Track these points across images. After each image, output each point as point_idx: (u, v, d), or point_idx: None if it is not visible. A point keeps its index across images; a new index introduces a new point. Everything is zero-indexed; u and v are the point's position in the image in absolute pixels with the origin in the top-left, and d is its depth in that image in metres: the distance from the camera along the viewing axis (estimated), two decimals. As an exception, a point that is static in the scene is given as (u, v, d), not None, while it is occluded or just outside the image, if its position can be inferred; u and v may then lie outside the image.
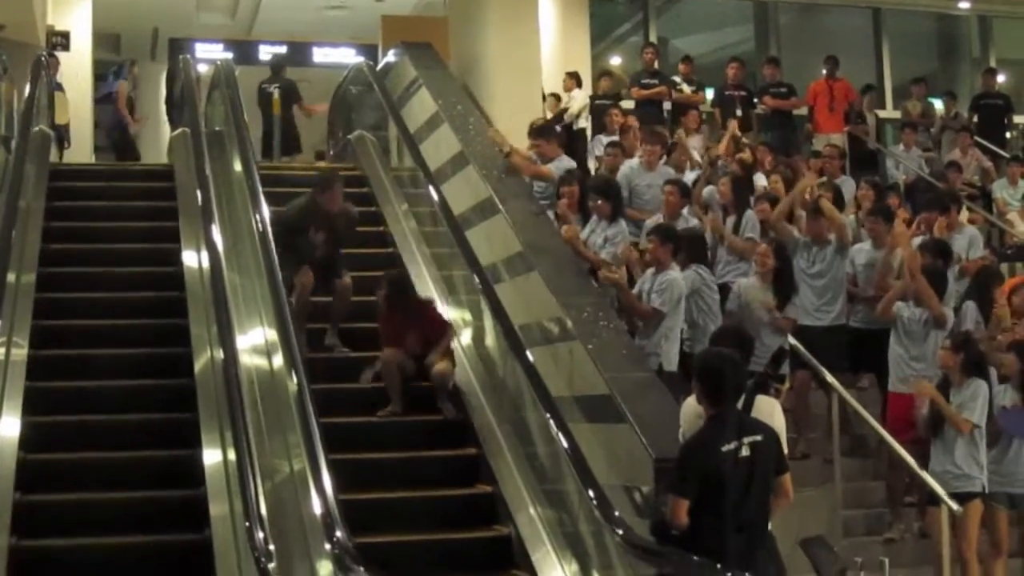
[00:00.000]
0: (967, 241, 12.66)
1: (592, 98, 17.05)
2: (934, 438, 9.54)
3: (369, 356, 9.97)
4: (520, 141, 12.64)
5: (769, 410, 7.30)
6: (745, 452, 6.75)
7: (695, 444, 6.91)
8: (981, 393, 9.47)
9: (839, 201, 12.15)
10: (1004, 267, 14.51)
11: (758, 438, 6.84)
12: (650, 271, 9.89)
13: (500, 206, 10.37)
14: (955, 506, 9.09)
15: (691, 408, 7.19)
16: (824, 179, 13.25)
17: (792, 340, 10.57)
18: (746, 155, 13.89)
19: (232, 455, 7.94)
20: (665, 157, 13.21)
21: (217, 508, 8.04)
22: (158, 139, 19.51)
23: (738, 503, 6.75)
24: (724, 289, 10.75)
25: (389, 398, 9.64)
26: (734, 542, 6.68)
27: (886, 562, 9.11)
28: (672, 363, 9.63)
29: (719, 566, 6.30)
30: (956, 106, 19.02)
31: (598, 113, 16.30)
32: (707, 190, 12.36)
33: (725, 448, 6.75)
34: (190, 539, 8.08)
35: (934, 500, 9.26)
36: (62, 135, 16.35)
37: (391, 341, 9.79)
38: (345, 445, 8.52)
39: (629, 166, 12.79)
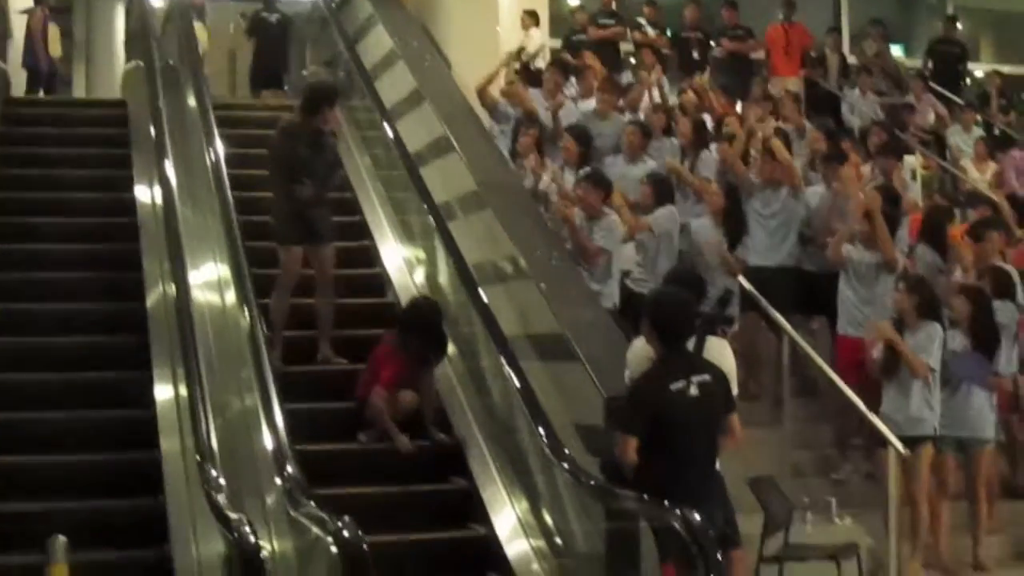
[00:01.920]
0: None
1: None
2: (887, 381, 9.59)
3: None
4: (474, 81, 12.69)
5: (719, 350, 7.36)
6: (694, 391, 6.82)
7: (645, 383, 6.95)
8: (936, 336, 9.56)
9: (790, 145, 12.19)
10: (956, 213, 14.58)
11: (707, 378, 6.90)
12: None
13: (455, 144, 10.35)
14: (903, 448, 9.18)
15: (640, 348, 7.23)
16: (778, 123, 13.28)
17: (743, 281, 10.64)
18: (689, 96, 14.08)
19: (184, 390, 7.93)
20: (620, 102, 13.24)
21: (168, 443, 8.04)
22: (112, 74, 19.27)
23: (686, 442, 6.81)
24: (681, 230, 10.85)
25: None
26: (683, 480, 6.74)
27: (833, 502, 9.22)
28: (612, 300, 9.75)
29: (667, 504, 6.35)
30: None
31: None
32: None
33: (674, 387, 6.80)
34: (140, 457, 8.15)
35: (883, 442, 9.34)
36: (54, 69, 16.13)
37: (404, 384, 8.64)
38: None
39: (582, 112, 12.79)
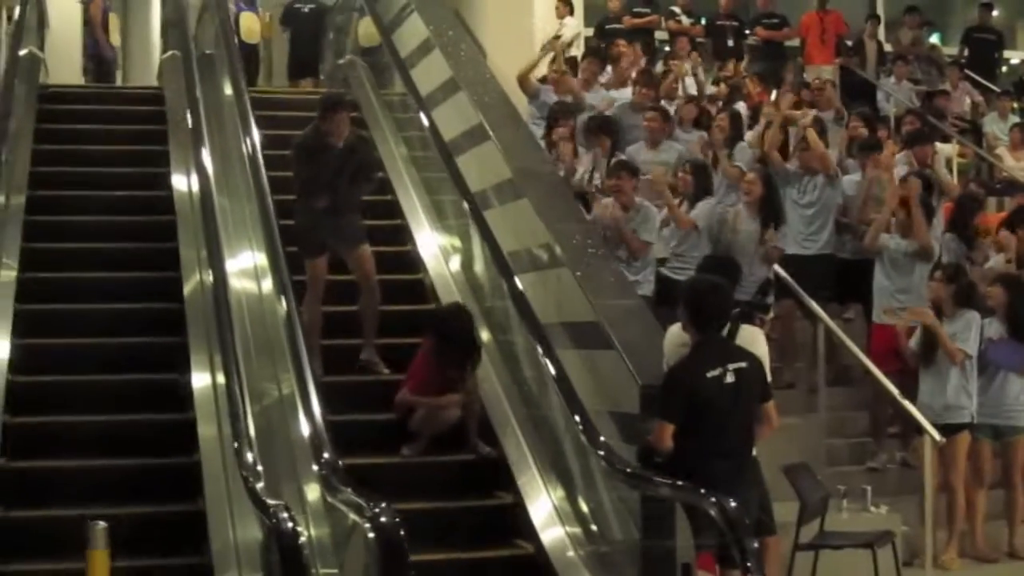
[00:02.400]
0: None
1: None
2: (925, 369, 9.58)
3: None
4: (509, 69, 12.66)
5: (751, 338, 7.37)
6: (730, 379, 6.85)
7: (681, 369, 6.98)
8: (974, 323, 9.55)
9: (824, 134, 12.17)
10: (992, 201, 14.55)
11: (743, 365, 6.94)
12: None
13: (490, 132, 10.36)
14: (938, 436, 9.17)
15: (675, 336, 7.25)
16: (814, 111, 13.25)
17: (778, 269, 10.63)
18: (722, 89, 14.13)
19: (221, 378, 7.98)
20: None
21: (206, 430, 8.10)
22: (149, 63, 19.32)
23: (722, 429, 6.83)
24: None
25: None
26: (718, 467, 6.75)
27: (868, 491, 9.23)
28: (648, 288, 9.78)
29: (703, 490, 6.37)
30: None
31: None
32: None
33: (710, 374, 6.83)
34: (179, 462, 8.15)
35: (919, 430, 9.34)
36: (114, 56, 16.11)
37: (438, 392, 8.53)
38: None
39: (619, 106, 12.79)
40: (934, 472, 9.29)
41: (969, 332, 9.51)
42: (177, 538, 7.63)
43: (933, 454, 9.25)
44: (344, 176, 9.19)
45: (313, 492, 7.28)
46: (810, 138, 11.32)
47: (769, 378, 7.34)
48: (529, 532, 7.95)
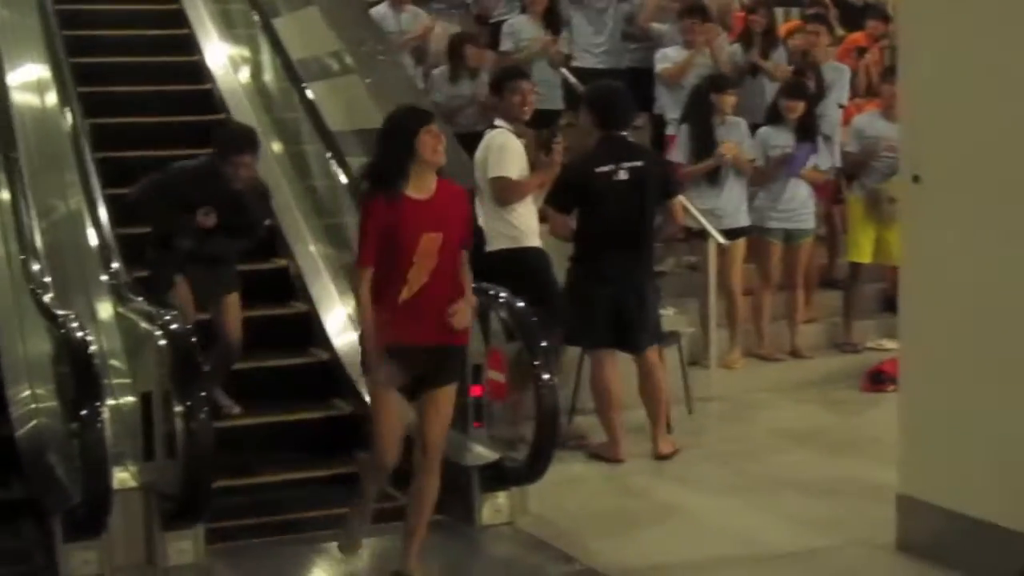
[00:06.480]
0: None
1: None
2: (711, 180, 9.62)
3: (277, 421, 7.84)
4: None
5: None
6: (623, 175, 7.51)
7: (572, 165, 7.72)
8: (743, 126, 9.74)
9: None
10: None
11: (639, 163, 7.56)
12: None
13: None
14: (722, 239, 9.37)
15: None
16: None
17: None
18: None
19: (6, 195, 7.83)
20: None
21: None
22: None
23: (614, 222, 7.48)
24: None
25: None
26: (613, 257, 7.52)
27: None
28: None
29: (491, 291, 6.51)
30: None
31: None
32: None
33: (599, 169, 7.50)
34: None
35: (703, 234, 9.49)
36: None
37: None
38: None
39: None
40: (716, 275, 9.49)
41: (745, 138, 9.68)
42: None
43: (716, 257, 9.46)
44: (230, 225, 7.62)
45: (102, 300, 7.23)
46: None
47: None
48: (323, 340, 8.05)
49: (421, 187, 5.56)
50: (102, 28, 10.72)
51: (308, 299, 8.34)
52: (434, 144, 5.52)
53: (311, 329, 8.31)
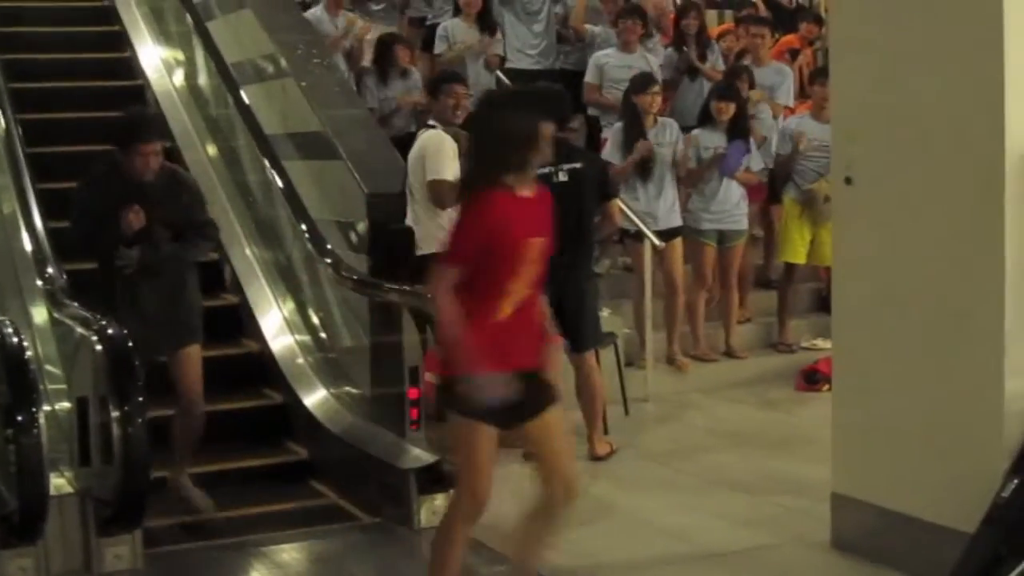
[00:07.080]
0: None
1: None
2: (644, 181, 9.67)
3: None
4: None
5: None
6: (562, 177, 7.47)
7: None
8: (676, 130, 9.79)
9: None
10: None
11: (577, 166, 7.56)
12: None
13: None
14: (658, 242, 9.41)
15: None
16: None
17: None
18: None
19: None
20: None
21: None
22: None
23: (557, 222, 7.16)
24: None
25: None
26: (555, 258, 7.07)
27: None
28: None
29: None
30: None
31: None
32: None
33: (539, 171, 7.10)
34: None
35: (638, 236, 9.53)
36: None
37: None
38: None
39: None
40: (652, 276, 9.54)
41: (678, 139, 9.72)
42: None
43: (652, 259, 9.50)
44: (160, 223, 6.62)
45: (39, 309, 7.19)
46: None
47: None
48: (257, 336, 8.05)
49: (526, 183, 4.97)
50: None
51: (240, 292, 8.32)
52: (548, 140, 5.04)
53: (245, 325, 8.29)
